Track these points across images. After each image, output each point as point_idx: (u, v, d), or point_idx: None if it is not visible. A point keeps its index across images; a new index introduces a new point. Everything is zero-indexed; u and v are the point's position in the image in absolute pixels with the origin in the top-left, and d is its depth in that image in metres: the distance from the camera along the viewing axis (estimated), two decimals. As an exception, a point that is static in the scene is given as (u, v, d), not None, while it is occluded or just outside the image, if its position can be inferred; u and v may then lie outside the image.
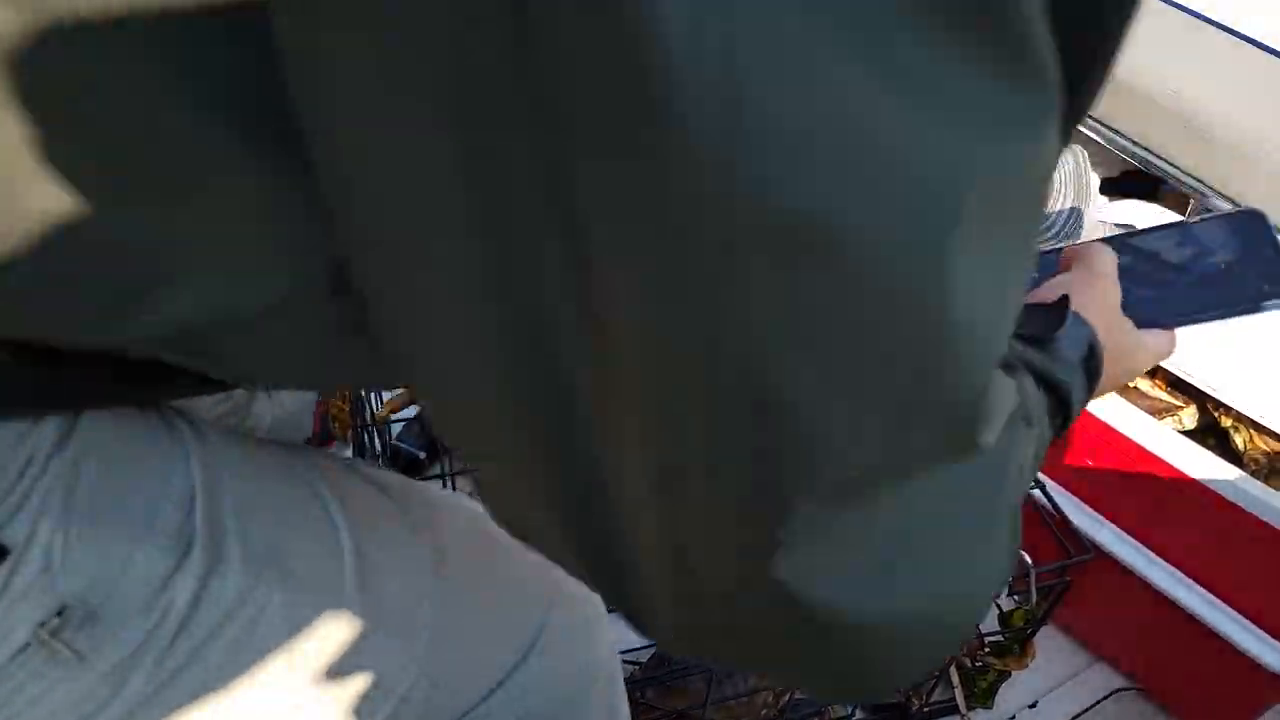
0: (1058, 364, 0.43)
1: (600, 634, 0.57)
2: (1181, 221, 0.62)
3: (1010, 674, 0.90)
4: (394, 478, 0.49)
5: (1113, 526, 0.99)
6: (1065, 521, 0.82)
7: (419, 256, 0.23)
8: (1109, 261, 0.54)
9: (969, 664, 0.89)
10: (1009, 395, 0.28)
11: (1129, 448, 0.94)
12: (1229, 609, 0.92)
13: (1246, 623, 0.91)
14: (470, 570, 0.49)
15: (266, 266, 0.30)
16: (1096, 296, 0.51)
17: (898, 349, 0.21)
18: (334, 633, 0.41)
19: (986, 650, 0.87)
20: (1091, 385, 0.47)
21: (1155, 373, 1.08)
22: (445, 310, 0.24)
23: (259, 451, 0.43)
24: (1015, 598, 0.79)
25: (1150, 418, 0.96)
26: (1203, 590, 0.94)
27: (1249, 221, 0.61)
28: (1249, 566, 0.91)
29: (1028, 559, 0.79)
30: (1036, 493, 0.85)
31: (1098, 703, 1.05)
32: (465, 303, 0.23)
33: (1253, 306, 0.59)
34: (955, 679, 0.89)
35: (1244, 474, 0.90)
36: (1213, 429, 1.05)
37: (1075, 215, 0.96)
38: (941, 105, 0.19)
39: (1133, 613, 1.01)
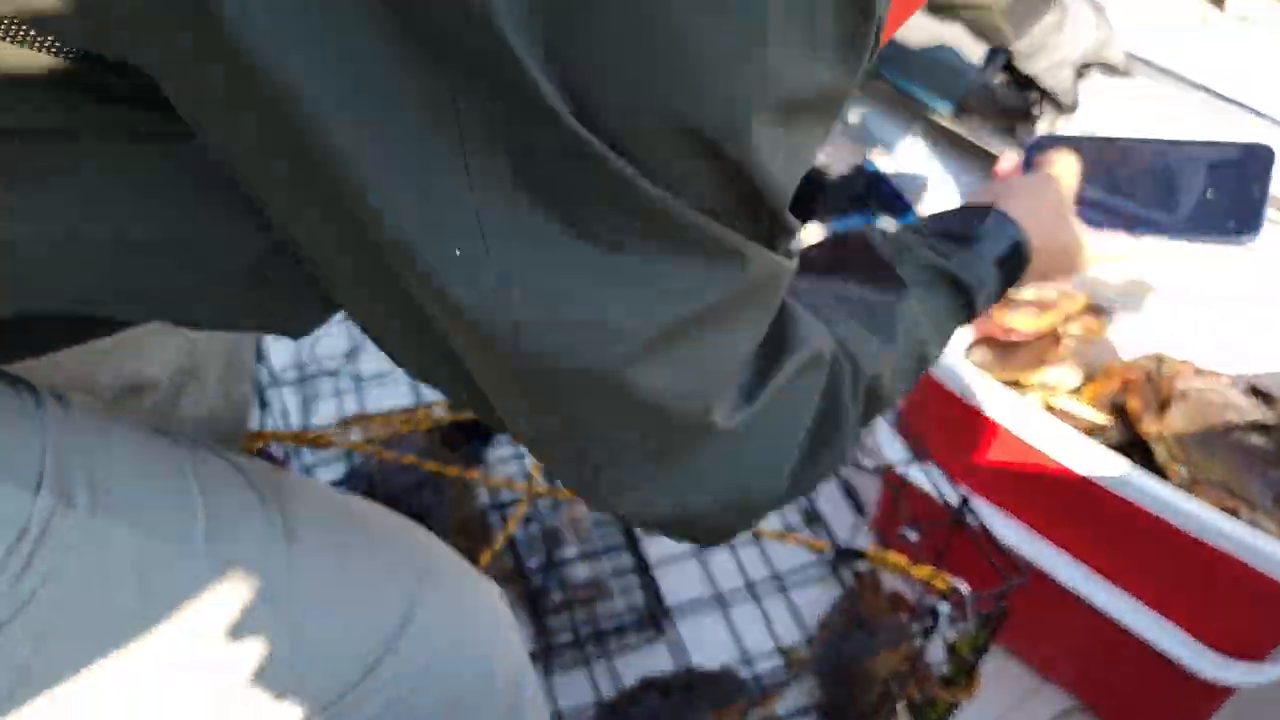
0: (968, 262, 0.54)
1: (491, 634, 0.59)
2: (1190, 141, 0.65)
3: (959, 704, 0.90)
4: (255, 462, 0.53)
5: (1049, 546, 1.00)
6: (998, 547, 0.82)
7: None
8: (1068, 164, 0.64)
9: (917, 697, 0.88)
10: (798, 355, 0.41)
11: (1060, 468, 0.96)
12: (1163, 621, 0.93)
13: (1181, 634, 0.92)
14: (325, 544, 0.52)
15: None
16: (1040, 197, 0.60)
17: (618, 417, 0.36)
18: (185, 582, 0.44)
19: (934, 683, 0.87)
20: (1011, 279, 0.56)
21: (1081, 389, 1.10)
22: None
23: (119, 421, 0.48)
24: (957, 628, 0.79)
25: (1079, 434, 0.97)
26: (1137, 604, 0.95)
27: (1256, 156, 0.63)
28: (1179, 579, 0.92)
29: (964, 589, 0.79)
30: (970, 520, 0.85)
31: (1047, 724, 1.05)
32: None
33: (1217, 237, 0.63)
34: (904, 716, 0.88)
35: (1171, 487, 0.91)
36: (1138, 444, 1.07)
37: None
38: (639, 286, 0.32)
39: (1074, 631, 1.03)
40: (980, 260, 0.54)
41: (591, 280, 0.32)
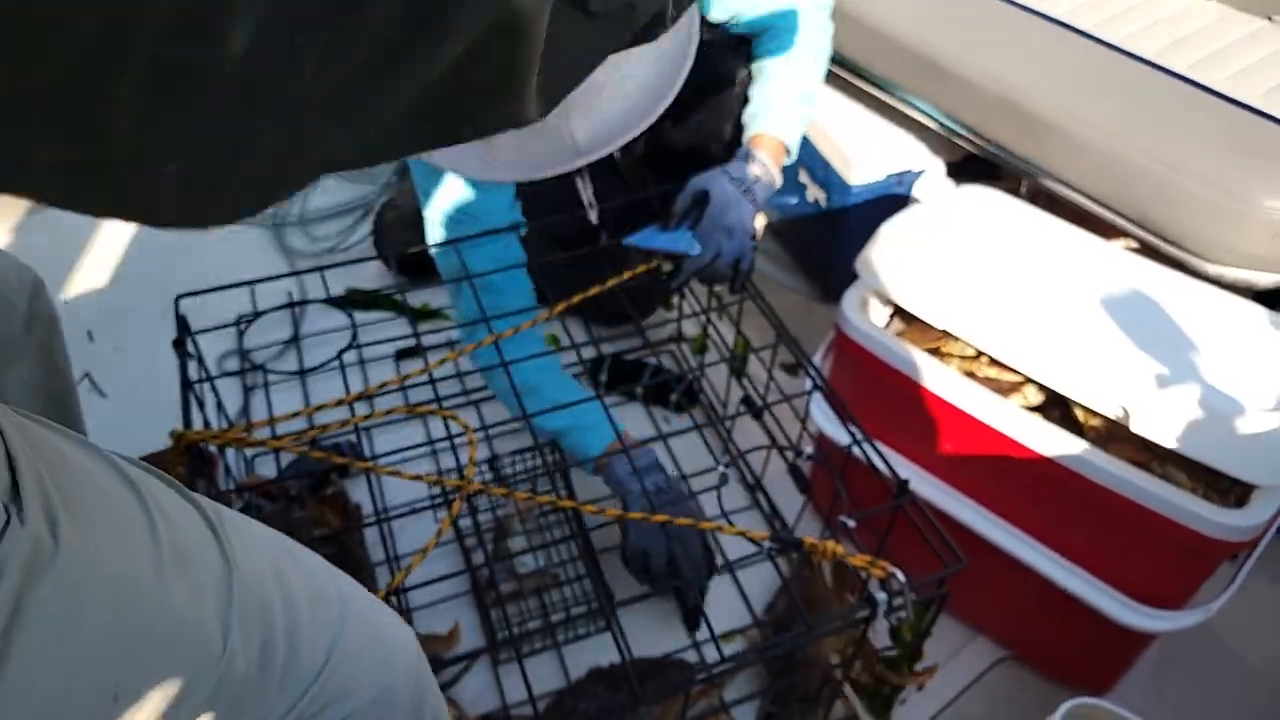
0: None
1: (397, 652, 0.63)
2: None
3: (905, 685, 0.92)
4: (198, 495, 0.54)
5: (976, 506, 1.03)
6: (938, 533, 0.83)
7: None
8: None
9: (864, 679, 0.90)
10: None
11: (982, 430, 0.98)
12: (1085, 573, 0.97)
13: (1103, 585, 0.96)
14: (264, 571, 0.54)
15: None
16: None
17: None
18: (151, 600, 0.45)
19: (879, 665, 0.89)
20: None
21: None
22: None
23: (64, 434, 0.48)
24: (899, 615, 0.81)
25: (997, 397, 0.99)
26: (1061, 558, 0.99)
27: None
28: (1099, 533, 0.96)
29: (901, 576, 0.80)
30: (910, 508, 0.86)
31: (981, 675, 1.09)
32: None
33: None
34: (851, 694, 0.90)
35: (1086, 445, 0.94)
36: (1057, 401, 1.10)
37: None
38: None
39: (1004, 585, 1.06)
40: None
41: None
